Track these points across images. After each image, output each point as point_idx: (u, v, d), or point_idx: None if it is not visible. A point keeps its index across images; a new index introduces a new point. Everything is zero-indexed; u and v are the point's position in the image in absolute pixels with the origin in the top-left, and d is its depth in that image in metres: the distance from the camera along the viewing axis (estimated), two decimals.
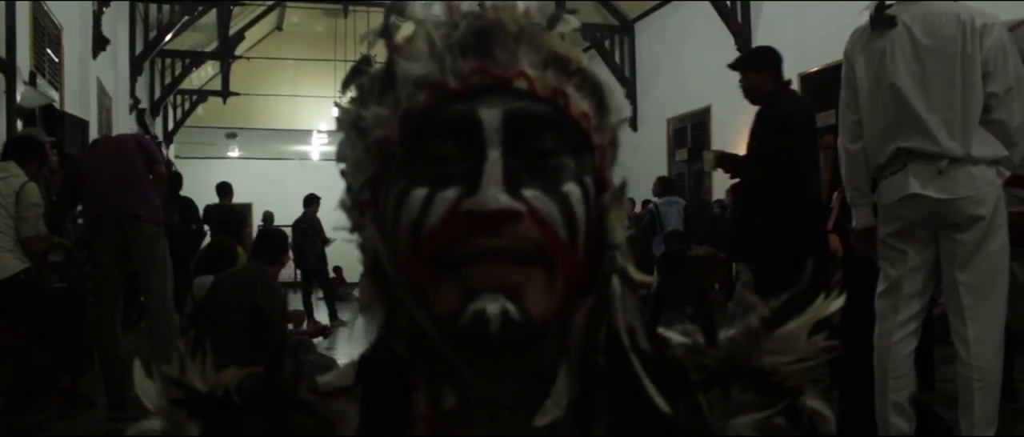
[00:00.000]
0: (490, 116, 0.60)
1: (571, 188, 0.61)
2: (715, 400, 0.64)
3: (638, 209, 11.22)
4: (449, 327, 0.59)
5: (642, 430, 0.62)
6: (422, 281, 0.60)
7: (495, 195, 0.57)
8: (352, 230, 0.67)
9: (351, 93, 0.67)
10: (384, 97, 0.64)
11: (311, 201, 11.22)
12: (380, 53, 0.66)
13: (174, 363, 0.64)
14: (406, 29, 0.65)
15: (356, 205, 0.65)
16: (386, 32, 0.65)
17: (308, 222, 11.15)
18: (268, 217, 13.71)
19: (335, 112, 0.69)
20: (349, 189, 0.67)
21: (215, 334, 3.77)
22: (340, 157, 0.67)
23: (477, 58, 0.62)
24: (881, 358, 2.94)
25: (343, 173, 0.67)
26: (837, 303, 0.66)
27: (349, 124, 0.66)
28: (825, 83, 8.34)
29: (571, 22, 0.65)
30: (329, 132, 16.67)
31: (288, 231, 11.25)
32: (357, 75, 0.67)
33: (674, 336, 0.67)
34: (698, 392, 0.64)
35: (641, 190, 11.09)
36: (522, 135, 0.60)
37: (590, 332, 0.63)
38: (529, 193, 0.59)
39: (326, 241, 11.05)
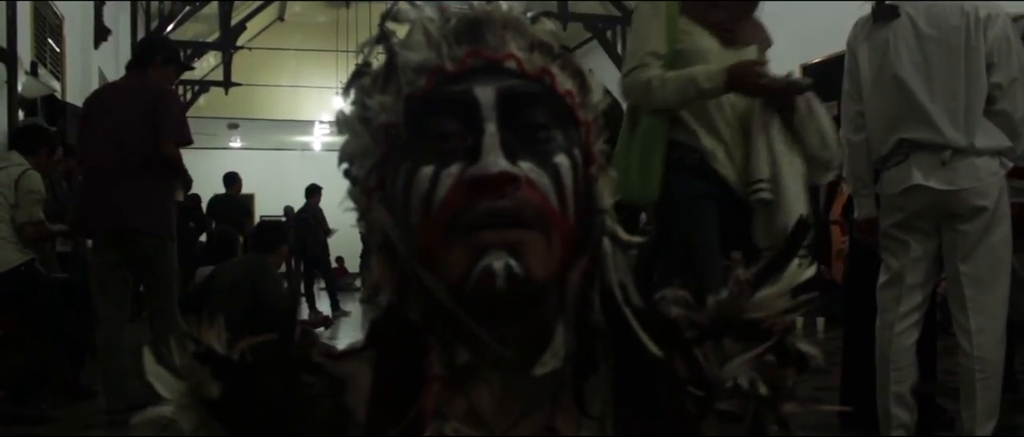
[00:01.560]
0: (485, 94, 0.66)
1: (561, 159, 0.67)
2: (710, 351, 0.70)
3: None
4: (460, 288, 0.64)
5: (641, 376, 0.68)
6: (435, 247, 0.65)
7: (496, 160, 0.63)
8: (360, 216, 0.71)
9: (354, 91, 0.72)
10: (387, 86, 0.70)
11: (313, 191, 11.22)
12: (378, 58, 0.72)
13: (192, 328, 0.67)
14: (401, 30, 0.70)
15: (364, 191, 0.71)
16: (383, 36, 0.71)
17: (310, 212, 11.15)
18: (288, 211, 13.62)
19: (338, 105, 0.72)
20: (353, 180, 0.72)
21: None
22: (344, 150, 0.72)
23: (470, 44, 0.68)
24: (883, 349, 2.94)
25: (347, 171, 0.72)
26: (810, 271, 0.72)
27: (355, 116, 0.71)
28: (827, 74, 8.31)
29: (548, 24, 0.71)
30: (331, 123, 16.54)
31: (285, 221, 11.19)
32: (359, 77, 0.72)
33: (666, 302, 0.73)
34: (693, 345, 0.70)
35: None
36: (514, 110, 0.66)
37: (585, 290, 0.68)
38: (525, 165, 0.65)
39: (328, 231, 11.04)
